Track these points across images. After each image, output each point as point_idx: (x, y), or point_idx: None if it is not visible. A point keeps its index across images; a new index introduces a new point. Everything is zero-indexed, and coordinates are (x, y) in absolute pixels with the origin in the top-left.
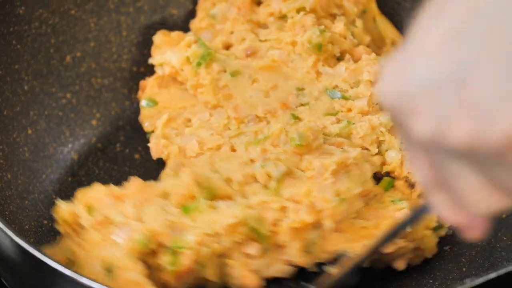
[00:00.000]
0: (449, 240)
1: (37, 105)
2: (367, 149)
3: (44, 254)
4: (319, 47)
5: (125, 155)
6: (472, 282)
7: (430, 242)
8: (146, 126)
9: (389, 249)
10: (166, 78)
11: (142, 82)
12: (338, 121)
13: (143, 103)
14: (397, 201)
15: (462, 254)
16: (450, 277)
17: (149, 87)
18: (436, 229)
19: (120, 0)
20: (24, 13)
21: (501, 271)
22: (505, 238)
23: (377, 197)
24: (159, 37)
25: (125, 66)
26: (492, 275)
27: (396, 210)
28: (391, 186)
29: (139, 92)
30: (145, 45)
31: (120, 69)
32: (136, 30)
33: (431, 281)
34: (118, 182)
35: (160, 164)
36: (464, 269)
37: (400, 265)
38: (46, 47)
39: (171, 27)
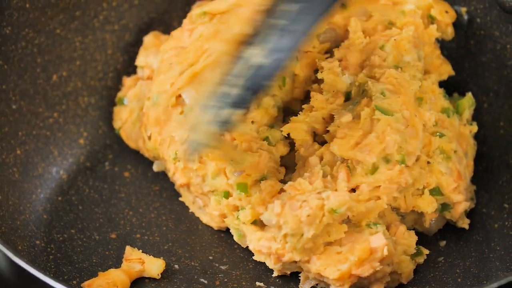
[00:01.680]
0: (443, 251)
1: (25, 125)
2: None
3: (45, 274)
4: None
5: (115, 173)
6: None
7: (407, 267)
8: (117, 123)
9: (366, 272)
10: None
11: (124, 79)
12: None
13: (124, 101)
14: (372, 225)
15: (457, 265)
16: None
17: (126, 86)
18: (414, 255)
19: (105, 18)
20: (11, 33)
21: (494, 285)
22: (498, 248)
23: (353, 221)
24: (149, 39)
25: (111, 84)
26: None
27: (370, 234)
28: None
29: (122, 88)
30: (131, 63)
31: (106, 87)
32: (121, 48)
33: None
34: (108, 200)
35: (151, 182)
36: (459, 279)
37: None
38: (33, 67)
39: None
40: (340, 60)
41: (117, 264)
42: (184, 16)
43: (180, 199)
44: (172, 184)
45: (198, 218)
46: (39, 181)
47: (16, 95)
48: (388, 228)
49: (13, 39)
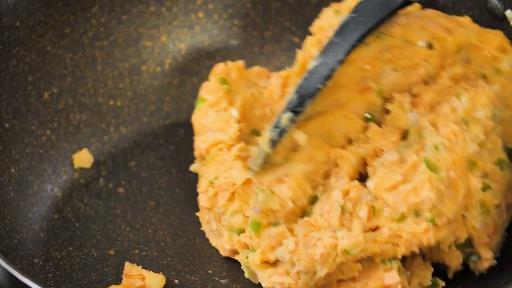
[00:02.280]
0: (459, 282)
1: (18, 143)
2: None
3: None
4: None
5: (109, 189)
6: None
7: None
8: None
9: None
10: None
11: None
12: None
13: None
14: (387, 261)
15: None
16: None
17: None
18: (429, 287)
19: (94, 34)
20: (1, 52)
21: None
22: None
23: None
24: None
25: (101, 100)
26: None
27: (385, 271)
28: None
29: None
30: (121, 79)
31: (97, 103)
32: (111, 63)
33: None
34: (105, 217)
35: (146, 197)
36: None
37: None
38: (24, 85)
39: (145, 61)
40: (414, 96)
41: (117, 280)
42: (173, 30)
43: (197, 213)
44: (168, 199)
45: (196, 232)
46: (34, 199)
47: (9, 113)
48: (404, 257)
49: (4, 57)
